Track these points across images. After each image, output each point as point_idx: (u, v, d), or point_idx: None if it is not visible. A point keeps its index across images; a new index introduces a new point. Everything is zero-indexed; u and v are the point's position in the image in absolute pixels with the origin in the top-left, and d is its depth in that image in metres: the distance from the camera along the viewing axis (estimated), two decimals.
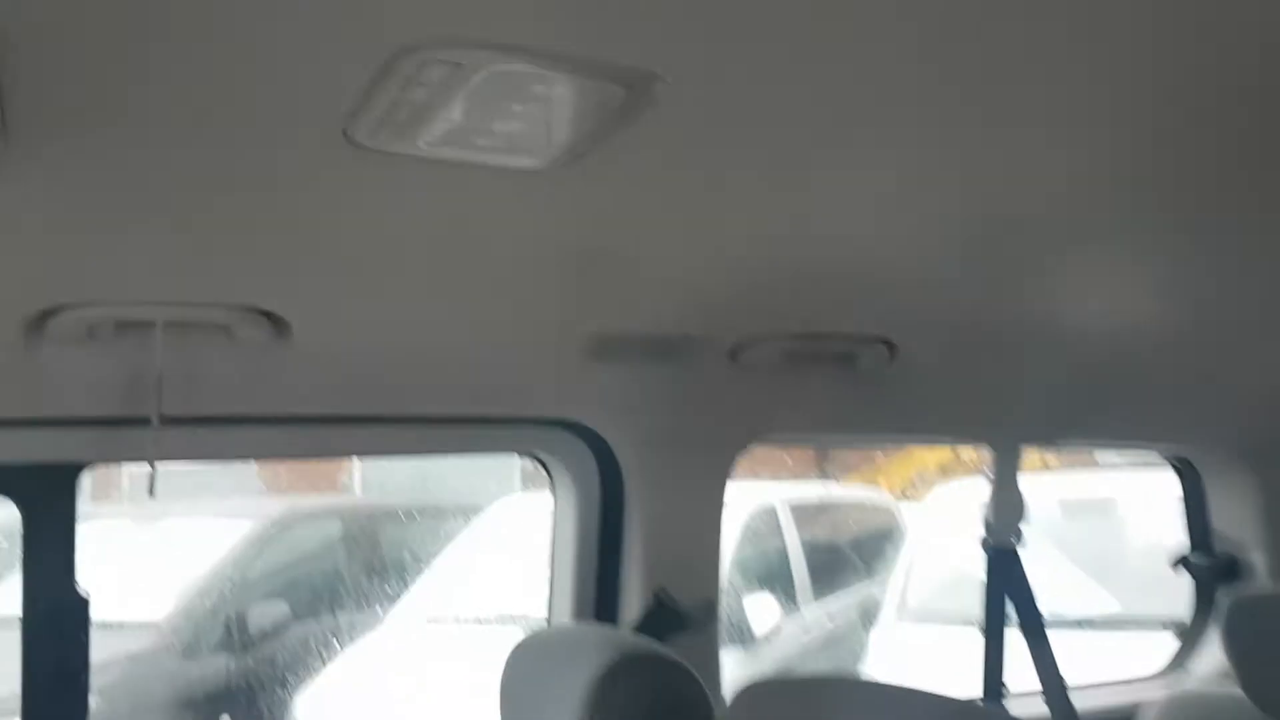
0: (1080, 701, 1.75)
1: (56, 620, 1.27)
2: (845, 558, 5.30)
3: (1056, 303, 1.33)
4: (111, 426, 1.21)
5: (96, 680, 3.94)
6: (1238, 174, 0.99)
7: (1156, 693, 1.73)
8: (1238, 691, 1.53)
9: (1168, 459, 1.96)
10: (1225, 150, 0.94)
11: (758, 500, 4.87)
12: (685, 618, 1.46)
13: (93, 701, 3.82)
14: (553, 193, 0.93)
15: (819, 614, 4.65)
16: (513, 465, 7.59)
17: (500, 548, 4.84)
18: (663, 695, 1.08)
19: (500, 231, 1.03)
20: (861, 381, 1.48)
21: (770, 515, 4.91)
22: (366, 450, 1.53)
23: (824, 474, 7.25)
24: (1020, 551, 1.61)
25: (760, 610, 4.21)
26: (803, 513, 5.13)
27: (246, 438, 1.35)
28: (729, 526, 4.78)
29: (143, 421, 1.19)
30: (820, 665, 4.26)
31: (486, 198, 0.94)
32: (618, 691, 1.06)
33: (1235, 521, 1.85)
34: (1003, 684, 1.60)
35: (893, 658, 3.62)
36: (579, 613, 1.53)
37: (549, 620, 1.56)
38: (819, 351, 1.39)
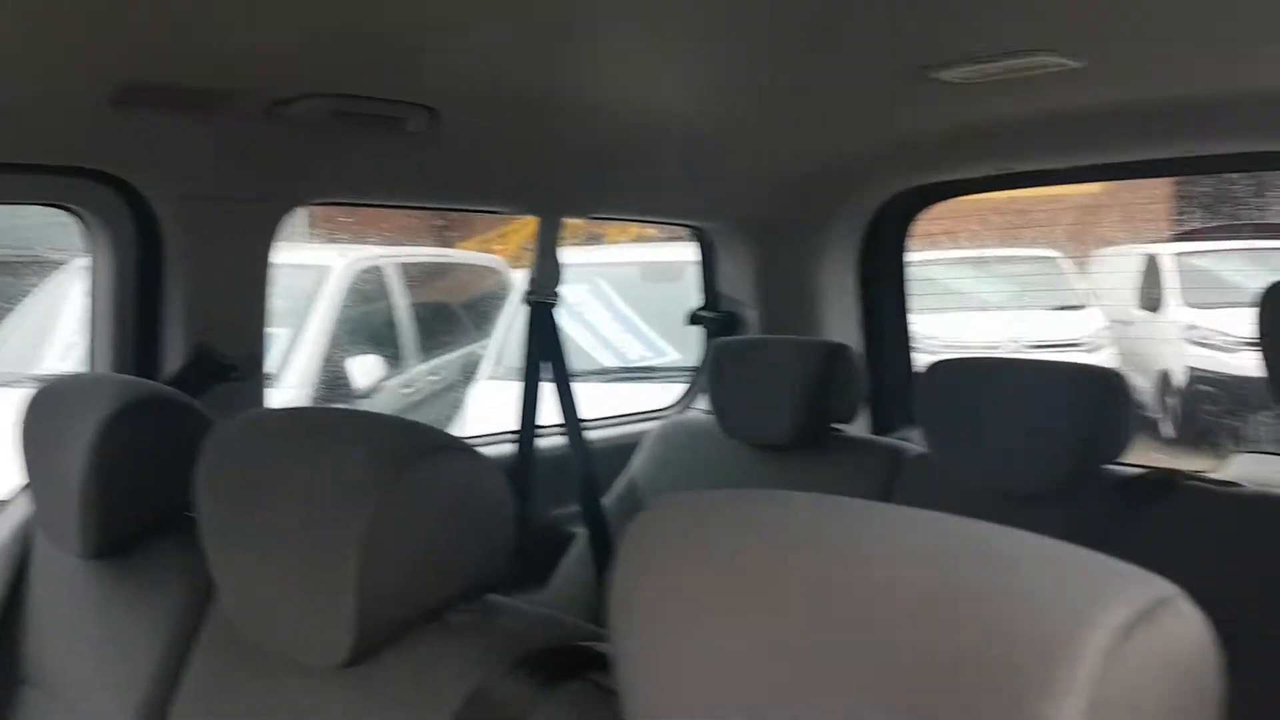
0: (599, 433, 2.09)
1: None
2: (454, 319, 5.52)
3: (592, 76, 1.45)
4: None
5: None
6: None
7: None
8: (712, 417, 1.93)
9: (687, 230, 2.29)
10: None
11: (366, 261, 4.88)
12: (227, 370, 1.52)
13: None
14: None
15: (423, 371, 4.88)
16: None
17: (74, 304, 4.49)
18: (171, 435, 1.16)
19: None
20: (408, 146, 1.56)
21: (378, 275, 4.95)
22: None
23: (441, 238, 7.35)
24: (556, 310, 1.83)
25: (364, 368, 4.33)
26: (414, 274, 5.23)
27: None
28: (334, 285, 4.75)
29: None
30: (419, 418, 4.52)
31: None
32: (125, 431, 1.12)
33: (737, 284, 2.22)
34: (535, 421, 1.85)
35: (483, 410, 3.97)
36: (119, 368, 1.54)
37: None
38: (363, 112, 1.43)
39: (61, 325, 4.48)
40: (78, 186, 1.45)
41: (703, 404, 2.12)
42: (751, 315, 2.20)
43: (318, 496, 0.83)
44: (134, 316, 1.53)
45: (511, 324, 4.52)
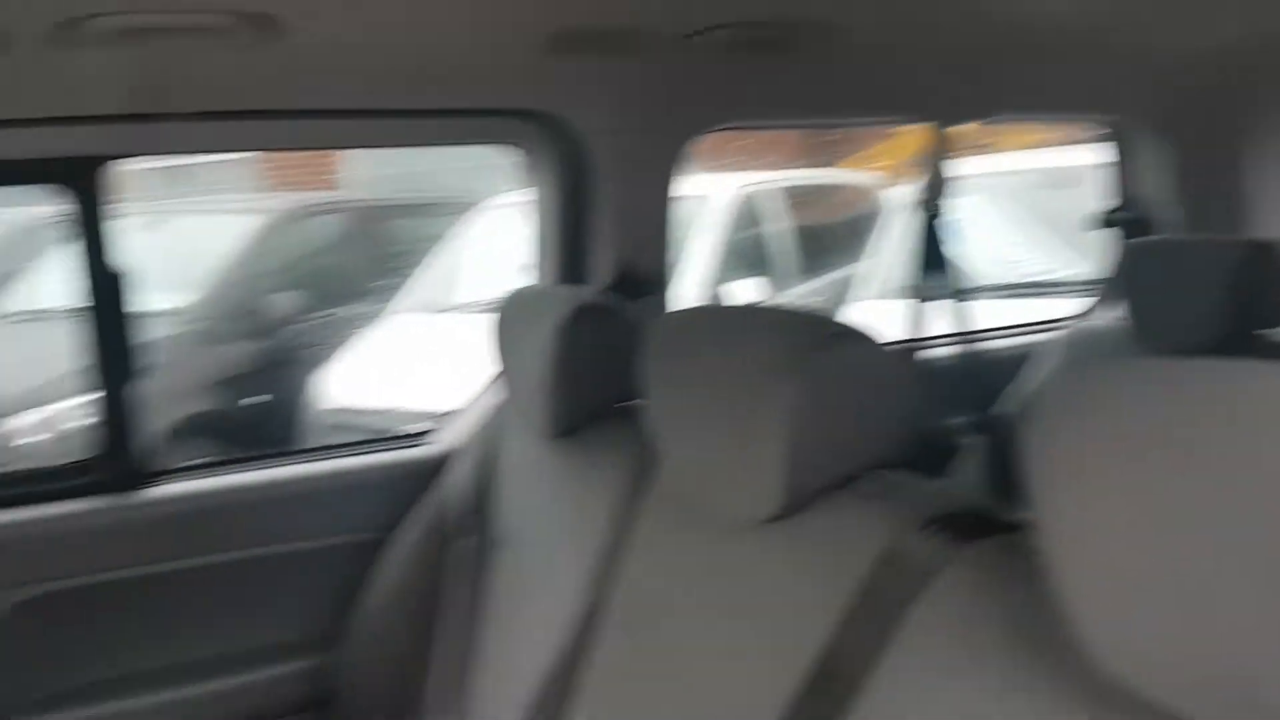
0: (993, 344, 2.10)
1: (100, 294, 1.55)
2: (833, 239, 5.60)
3: None
4: (133, 122, 1.43)
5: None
6: None
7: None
8: (1125, 325, 1.86)
9: (1095, 128, 2.18)
10: None
11: (746, 188, 5.09)
12: (642, 284, 1.74)
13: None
14: None
15: (804, 292, 5.03)
16: (501, 164, 7.79)
17: (492, 239, 5.14)
18: (612, 336, 1.38)
19: None
20: (804, 66, 1.65)
21: (758, 201, 5.14)
22: (355, 142, 1.72)
23: (820, 159, 7.41)
24: (945, 221, 1.86)
25: (747, 289, 4.55)
26: (793, 198, 5.37)
27: (244, 131, 1.56)
28: (718, 211, 5.01)
29: (162, 117, 1.41)
30: None
31: None
32: (579, 331, 1.35)
33: (1151, 183, 2.09)
34: (924, 332, 1.90)
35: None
36: (557, 284, 1.81)
37: None
38: (767, 37, 1.54)
39: (472, 260, 5.17)
40: (518, 127, 1.71)
41: (1110, 312, 2.04)
42: (1168, 215, 2.07)
43: (748, 376, 0.97)
44: (568, 240, 1.79)
45: (892, 241, 4.51)
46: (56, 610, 1.57)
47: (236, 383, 4.63)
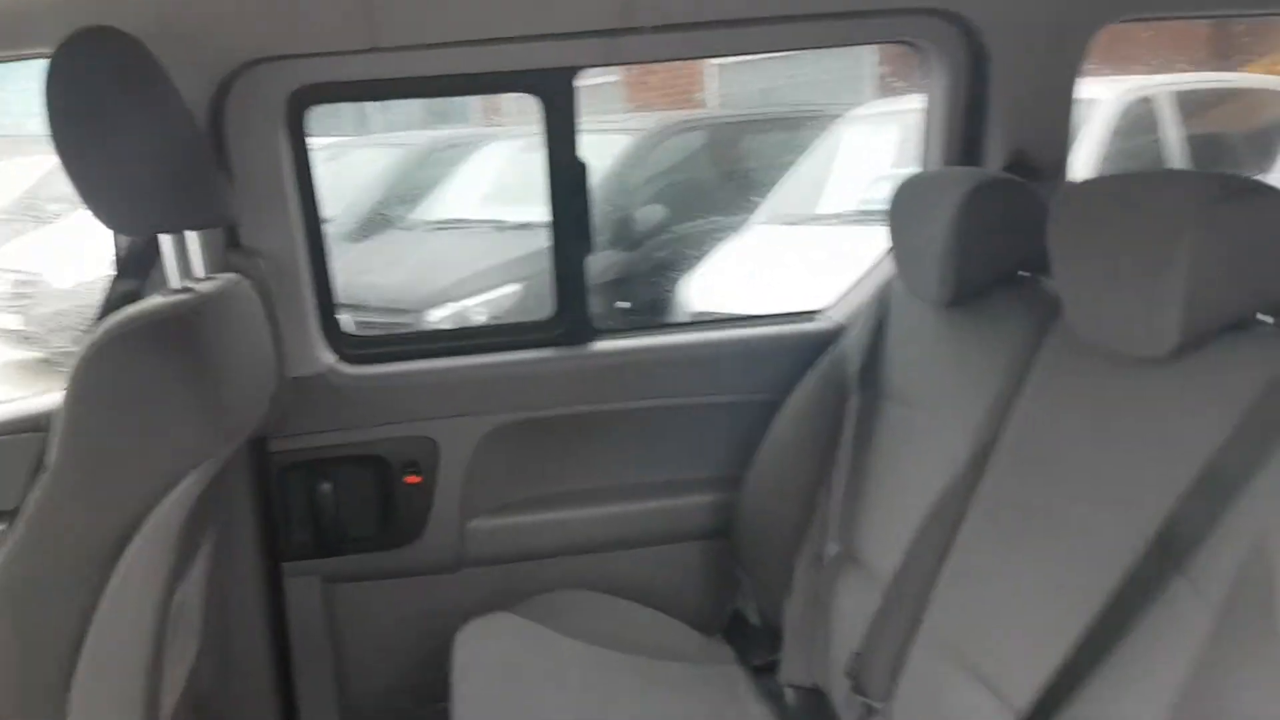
0: None
1: (567, 179, 1.94)
2: (1234, 149, 5.19)
3: None
4: (600, 36, 1.78)
5: (524, 270, 5.06)
6: None
7: None
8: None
9: None
10: None
11: (1137, 91, 4.86)
12: (1038, 172, 1.87)
13: (518, 287, 4.98)
14: None
15: None
16: (862, 75, 7.85)
17: (858, 151, 5.28)
18: (1013, 210, 1.55)
19: None
20: None
21: (1150, 106, 4.89)
22: (778, 45, 1.94)
23: (1225, 64, 6.79)
24: None
25: None
26: (1190, 103, 5.04)
27: (693, 41, 1.86)
28: (1105, 116, 4.84)
29: (624, 31, 1.75)
30: None
31: None
32: (979, 204, 1.54)
33: None
34: None
35: None
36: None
37: None
38: None
39: (838, 170, 5.33)
40: (925, 23, 1.89)
41: None
42: None
43: (1152, 226, 1.12)
44: (961, 127, 1.96)
45: None
46: (519, 435, 2.02)
47: (605, 291, 5.12)
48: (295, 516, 1.96)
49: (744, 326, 2.14)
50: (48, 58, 1.19)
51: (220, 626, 1.89)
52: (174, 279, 1.41)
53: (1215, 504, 1.02)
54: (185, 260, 1.44)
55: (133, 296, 1.66)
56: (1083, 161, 4.33)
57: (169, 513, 1.29)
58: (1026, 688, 1.19)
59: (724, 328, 2.15)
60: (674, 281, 4.98)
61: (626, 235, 5.42)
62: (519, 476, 2.06)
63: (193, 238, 1.47)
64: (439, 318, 4.78)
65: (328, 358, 1.94)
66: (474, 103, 8.21)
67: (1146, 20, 1.95)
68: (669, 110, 7.51)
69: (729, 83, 8.45)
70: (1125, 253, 1.15)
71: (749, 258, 4.93)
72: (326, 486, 1.95)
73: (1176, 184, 1.15)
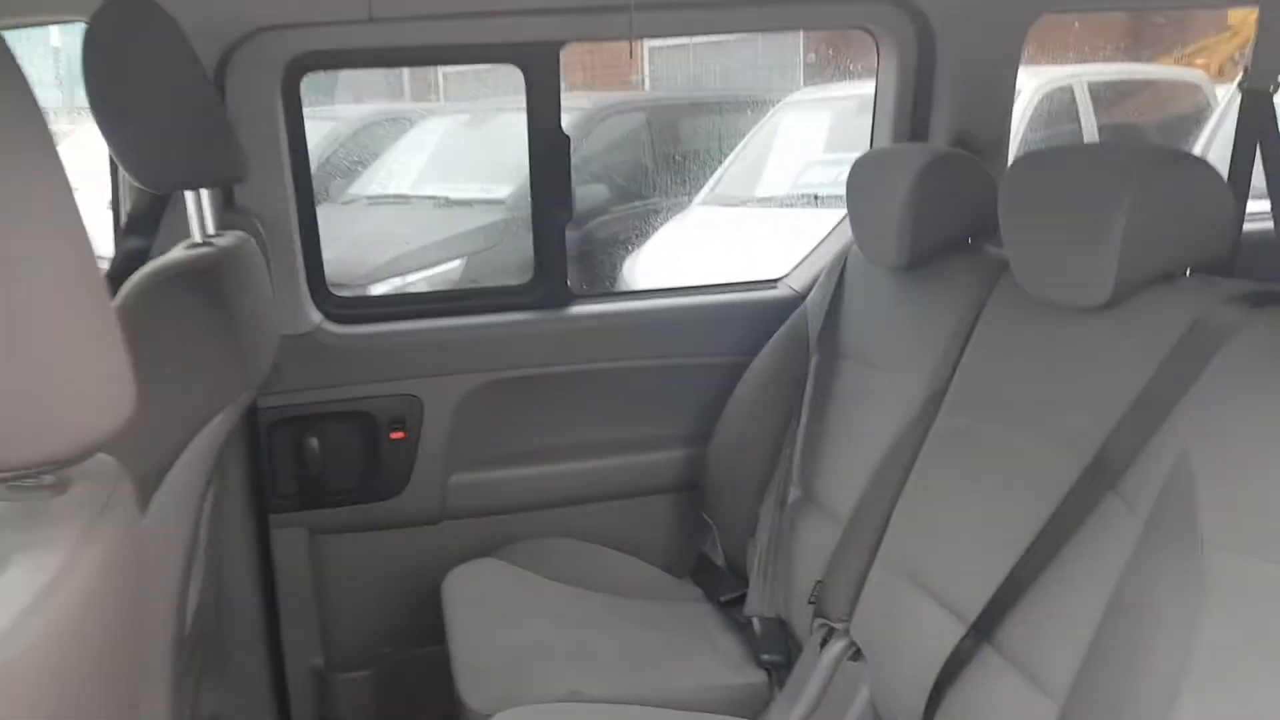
0: None
1: (549, 149, 2.08)
2: (1148, 138, 5.52)
3: None
4: (580, 14, 1.92)
5: (464, 246, 5.12)
6: None
7: None
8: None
9: None
10: None
11: (1055, 81, 5.14)
12: (980, 151, 2.07)
13: (459, 263, 5.07)
14: None
15: None
16: (795, 63, 8.08)
17: (793, 136, 5.49)
18: (963, 182, 1.74)
19: None
20: None
21: (1068, 96, 5.18)
22: (736, 26, 2.10)
23: (1136, 55, 7.17)
24: (1275, 98, 2.03)
25: None
26: (1105, 94, 5.35)
27: (664, 20, 2.00)
28: (1022, 106, 5.09)
29: (602, 9, 1.89)
30: None
31: None
32: (934, 177, 1.72)
33: None
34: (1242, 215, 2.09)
35: None
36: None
37: None
38: None
39: (775, 154, 5.54)
40: (880, 10, 2.07)
41: None
42: None
43: (1092, 189, 1.30)
44: (909, 108, 2.15)
45: (1211, 140, 4.48)
46: (500, 393, 2.15)
47: None
48: (282, 471, 2.07)
49: (710, 293, 2.31)
50: (75, 21, 1.28)
51: (213, 575, 1.99)
52: (196, 233, 1.52)
53: (1145, 428, 1.21)
54: (201, 217, 1.55)
55: (142, 252, 1.76)
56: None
57: (199, 451, 1.40)
58: (975, 599, 1.37)
59: (692, 294, 2.32)
60: (617, 260, 5.12)
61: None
62: (499, 433, 2.20)
63: (205, 196, 1.58)
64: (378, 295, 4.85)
65: (315, 316, 2.05)
66: (406, 75, 8.22)
67: (1080, 12, 2.16)
68: (605, 92, 7.62)
69: (661, 67, 8.61)
70: (1068, 215, 1.34)
71: (690, 237, 5.10)
72: (313, 442, 2.06)
73: (1115, 154, 1.34)
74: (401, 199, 5.57)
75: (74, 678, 0.66)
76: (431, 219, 5.27)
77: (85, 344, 0.67)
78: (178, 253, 1.49)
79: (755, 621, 1.91)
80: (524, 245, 2.20)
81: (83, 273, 0.67)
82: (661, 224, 5.36)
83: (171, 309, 1.36)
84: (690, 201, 5.53)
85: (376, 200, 5.68)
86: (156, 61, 1.33)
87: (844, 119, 5.10)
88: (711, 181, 5.59)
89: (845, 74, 6.04)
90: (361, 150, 6.20)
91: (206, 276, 1.43)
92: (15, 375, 0.63)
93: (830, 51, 6.68)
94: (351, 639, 2.18)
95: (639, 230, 5.34)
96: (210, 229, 1.59)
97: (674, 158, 6.19)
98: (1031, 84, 5.01)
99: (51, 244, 0.65)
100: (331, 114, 6.82)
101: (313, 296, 2.06)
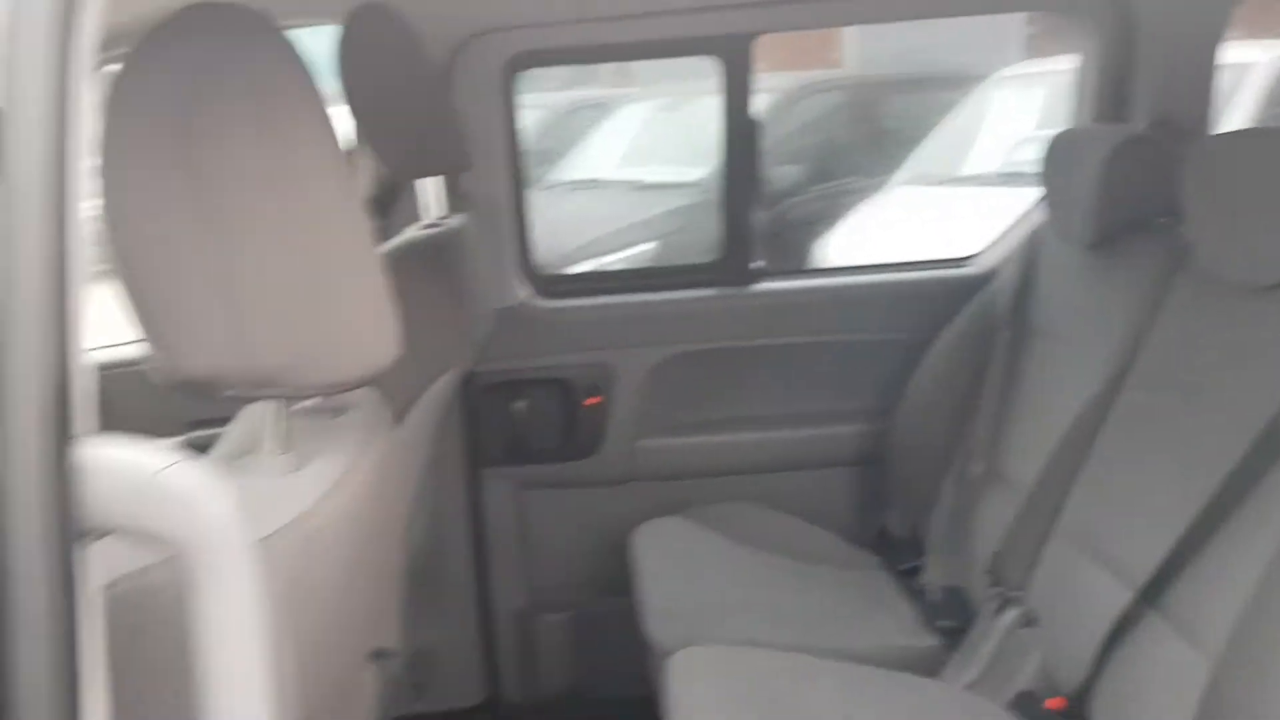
0: None
1: (741, 135, 2.23)
2: None
3: None
4: (773, 5, 2.06)
5: (659, 228, 5.38)
6: None
7: None
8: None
9: None
10: None
11: None
12: (1182, 132, 2.07)
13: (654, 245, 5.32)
14: None
15: None
16: (1008, 36, 7.85)
17: (1004, 113, 5.39)
18: (1155, 163, 1.77)
19: None
20: None
21: None
22: (928, 11, 2.20)
23: None
24: None
25: None
26: None
27: (851, 8, 2.12)
28: (1259, 80, 4.84)
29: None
30: None
31: None
32: (1126, 157, 1.76)
33: None
34: None
35: None
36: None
37: None
38: None
39: (983, 131, 5.45)
40: None
41: None
42: None
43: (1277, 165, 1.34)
44: (1110, 89, 2.17)
45: None
46: (687, 365, 2.33)
47: None
48: (492, 430, 2.32)
49: (894, 272, 2.40)
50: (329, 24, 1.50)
51: (432, 520, 2.27)
52: (432, 215, 1.76)
53: None
54: (433, 201, 1.79)
55: (380, 231, 2.03)
56: (1237, 124, 4.38)
57: (427, 405, 1.64)
58: (1145, 566, 1.44)
59: (875, 272, 2.42)
60: (813, 239, 5.20)
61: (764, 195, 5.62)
62: (685, 402, 2.38)
63: (435, 183, 1.82)
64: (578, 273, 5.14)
65: (524, 291, 2.28)
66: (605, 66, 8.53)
67: None
68: (812, 70, 7.66)
69: (868, 42, 8.57)
70: (1252, 195, 1.38)
71: (889, 217, 5.11)
72: (521, 404, 2.30)
73: None
74: (599, 183, 5.86)
75: (352, 547, 0.88)
76: (627, 202, 5.52)
77: (365, 295, 0.87)
78: (413, 232, 1.73)
79: (932, 589, 2.01)
80: (715, 226, 2.36)
81: (361, 234, 0.87)
82: (861, 203, 5.39)
83: (413, 280, 1.59)
84: (890, 180, 5.54)
85: (577, 185, 5.99)
86: (397, 61, 1.56)
87: (1061, 94, 4.93)
88: (914, 160, 5.57)
89: (1067, 48, 5.80)
90: (567, 136, 6.54)
91: (440, 254, 1.67)
92: (317, 317, 0.83)
93: (1052, 25, 6.47)
94: (551, 584, 2.41)
95: (837, 210, 5.40)
96: (440, 212, 1.83)
97: (874, 136, 6.21)
98: (1266, 58, 4.74)
99: (337, 209, 0.84)
100: (540, 102, 7.22)
101: (521, 273, 2.29)
